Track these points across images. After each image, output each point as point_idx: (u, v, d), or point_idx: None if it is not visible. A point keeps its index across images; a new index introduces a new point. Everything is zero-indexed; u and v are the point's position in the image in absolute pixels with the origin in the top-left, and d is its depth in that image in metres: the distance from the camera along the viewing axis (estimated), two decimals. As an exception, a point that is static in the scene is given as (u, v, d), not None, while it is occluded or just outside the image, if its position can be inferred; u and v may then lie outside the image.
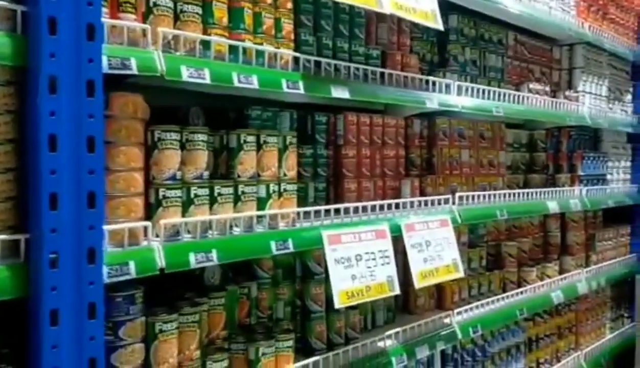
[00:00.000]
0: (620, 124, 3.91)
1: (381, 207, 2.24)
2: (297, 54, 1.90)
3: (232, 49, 1.72)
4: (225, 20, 1.72)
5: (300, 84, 1.86)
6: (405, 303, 2.68)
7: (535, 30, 3.30)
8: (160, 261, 1.50)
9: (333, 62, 2.03)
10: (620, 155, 3.98)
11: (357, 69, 2.12)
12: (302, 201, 2.21)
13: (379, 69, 2.22)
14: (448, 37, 2.81)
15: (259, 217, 1.79)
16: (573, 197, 3.37)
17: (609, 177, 3.81)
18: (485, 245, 3.09)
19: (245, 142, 1.76)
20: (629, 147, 4.09)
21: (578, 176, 3.51)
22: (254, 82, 1.72)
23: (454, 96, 2.57)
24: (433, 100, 2.42)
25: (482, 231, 3.11)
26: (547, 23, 3.15)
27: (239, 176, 1.76)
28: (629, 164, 4.07)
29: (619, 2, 3.88)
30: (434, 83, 2.48)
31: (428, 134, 2.78)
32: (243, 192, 1.75)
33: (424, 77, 2.44)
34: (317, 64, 1.99)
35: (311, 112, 2.32)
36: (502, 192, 2.88)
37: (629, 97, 4.09)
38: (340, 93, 2.00)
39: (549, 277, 3.25)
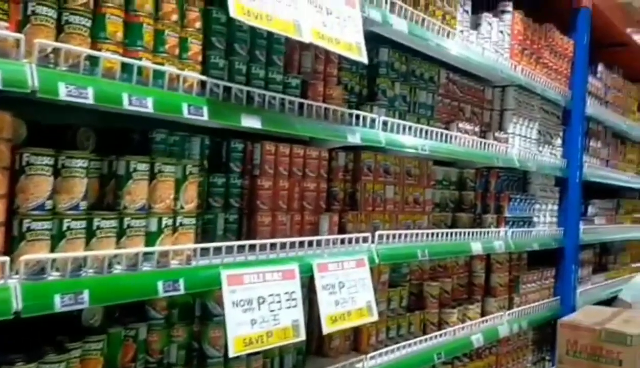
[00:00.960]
0: (549, 167, 3.91)
1: (292, 245, 2.09)
2: (204, 78, 1.74)
3: (125, 67, 1.54)
4: (119, 35, 1.55)
5: (205, 110, 1.70)
6: (319, 345, 2.52)
7: (468, 70, 3.25)
8: (17, 303, 1.30)
9: (245, 88, 1.88)
10: (547, 198, 3.97)
11: (274, 97, 1.98)
12: (209, 234, 2.04)
13: (298, 99, 2.08)
14: (378, 70, 2.71)
15: (146, 254, 1.60)
16: (498, 239, 3.31)
17: (535, 219, 3.79)
18: (407, 284, 2.98)
19: (135, 170, 1.58)
20: (556, 191, 4.09)
21: (504, 217, 3.46)
22: (148, 105, 1.55)
23: (379, 131, 2.46)
24: (356, 135, 2.30)
25: (405, 270, 3.00)
26: (480, 64, 3.11)
27: (125, 207, 1.57)
28: (556, 207, 4.07)
29: (553, 48, 3.91)
30: (357, 117, 2.37)
31: (353, 168, 2.66)
32: (129, 226, 1.56)
33: (347, 111, 2.31)
34: (228, 89, 1.83)
35: (226, 138, 2.16)
36: (425, 231, 2.78)
37: (558, 141, 4.11)
38: (251, 122, 1.85)
39: (470, 319, 3.16)
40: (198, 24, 1.74)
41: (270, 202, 2.21)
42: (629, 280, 4.90)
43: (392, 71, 2.76)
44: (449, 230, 2.94)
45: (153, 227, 1.62)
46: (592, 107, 4.39)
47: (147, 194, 1.61)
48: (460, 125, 3.09)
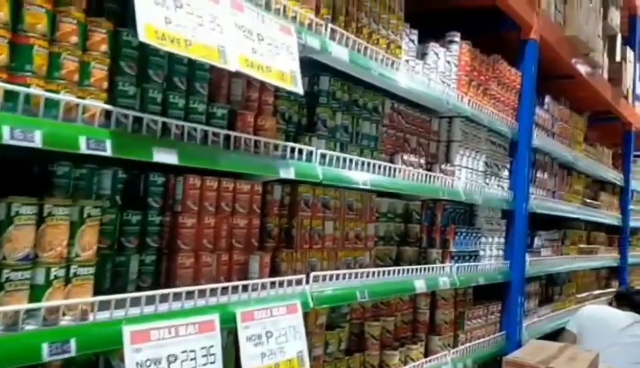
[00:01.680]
0: (496, 199, 3.82)
1: (213, 291, 1.88)
2: (109, 107, 1.53)
3: (9, 95, 1.32)
4: (4, 58, 1.33)
5: (108, 144, 1.48)
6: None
7: (414, 100, 3.13)
8: None
9: (160, 119, 1.67)
10: (494, 230, 3.88)
11: (194, 129, 1.78)
12: (121, 278, 1.81)
13: (224, 131, 1.89)
14: (318, 99, 2.55)
15: (30, 310, 1.37)
16: (443, 275, 3.18)
17: (481, 252, 3.68)
18: (347, 324, 2.80)
19: (18, 214, 1.35)
20: (503, 223, 4.01)
21: (450, 252, 3.33)
22: (36, 139, 1.32)
23: (317, 165, 2.28)
24: (289, 170, 2.12)
25: (345, 309, 2.82)
26: (425, 95, 2.99)
27: (4, 258, 1.34)
28: (502, 240, 3.98)
29: (501, 79, 3.84)
30: (292, 149, 2.19)
31: (290, 202, 2.47)
32: (8, 279, 1.33)
33: (281, 143, 2.13)
34: (139, 120, 1.62)
35: (145, 170, 1.94)
36: (365, 270, 2.61)
37: (505, 172, 4.04)
38: (165, 156, 1.64)
39: (413, 360, 3.00)
40: (104, 47, 1.53)
41: (194, 241, 2.00)
42: (575, 311, 4.85)
43: (334, 100, 2.60)
44: (391, 268, 2.78)
45: (39, 279, 1.39)
46: (539, 139, 4.35)
47: (32, 241, 1.38)
48: (405, 157, 2.95)
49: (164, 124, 1.68)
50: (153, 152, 1.60)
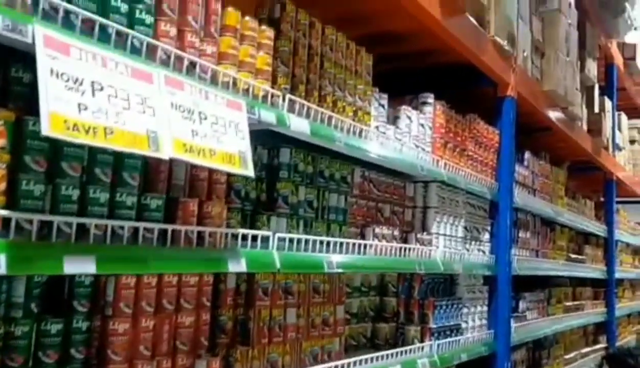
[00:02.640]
0: (477, 266, 3.57)
1: (144, 418, 1.58)
2: (7, 213, 1.27)
3: None
4: None
5: (2, 260, 1.21)
6: None
7: (386, 166, 2.91)
8: None
9: (75, 220, 1.41)
10: (476, 299, 3.62)
11: (121, 227, 1.52)
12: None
13: (159, 226, 1.63)
14: (278, 173, 2.31)
15: None
16: (422, 356, 2.89)
17: (463, 325, 3.41)
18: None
19: None
20: (485, 290, 3.75)
21: (429, 328, 3.06)
22: None
23: (274, 252, 2.02)
24: (240, 261, 1.85)
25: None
26: (398, 162, 2.76)
27: None
28: (485, 308, 3.71)
29: (478, 139, 3.65)
30: (244, 237, 1.93)
31: (246, 290, 2.20)
32: None
33: (230, 231, 1.87)
34: (48, 224, 1.36)
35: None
36: (333, 364, 2.33)
37: (486, 235, 3.81)
38: (79, 266, 1.37)
39: None
40: (2, 141, 1.28)
41: (127, 349, 1.71)
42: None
43: (296, 174, 2.36)
44: (363, 357, 2.49)
45: None
46: (520, 197, 4.14)
47: None
48: (377, 230, 2.71)
49: (80, 225, 1.42)
50: (64, 262, 1.33)
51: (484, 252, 3.74)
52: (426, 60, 3.74)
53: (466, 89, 3.93)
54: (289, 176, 2.31)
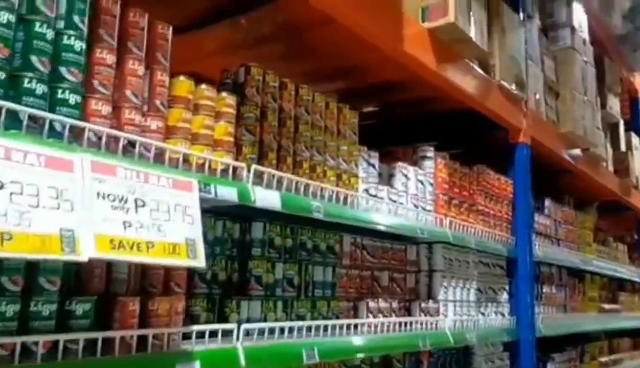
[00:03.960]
0: (494, 332, 3.24)
1: None
2: None
3: None
4: None
5: None
6: None
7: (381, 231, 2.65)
8: None
9: (-29, 343, 1.20)
10: (495, 368, 3.28)
11: (35, 342, 1.30)
12: None
13: (84, 335, 1.39)
14: (250, 251, 2.08)
15: None
16: None
17: (482, 401, 3.08)
18: None
19: None
20: (506, 357, 3.40)
21: (440, 411, 2.74)
22: None
23: (238, 346, 1.77)
24: (193, 365, 1.60)
25: None
26: (393, 226, 2.51)
27: None
28: (506, 379, 3.37)
29: (488, 191, 3.37)
30: (202, 334, 1.69)
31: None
32: None
33: (178, 330, 1.62)
34: None
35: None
36: None
37: (504, 295, 3.48)
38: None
39: None
40: None
41: None
42: None
43: (271, 250, 2.12)
44: None
45: None
46: (541, 250, 3.81)
47: None
48: (372, 304, 2.43)
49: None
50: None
51: (502, 314, 3.40)
52: (428, 108, 3.53)
53: (475, 137, 3.69)
54: (263, 253, 2.07)
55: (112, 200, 1.41)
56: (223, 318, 1.91)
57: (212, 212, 1.98)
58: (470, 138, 3.74)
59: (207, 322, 1.88)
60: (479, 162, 3.40)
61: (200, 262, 1.57)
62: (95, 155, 1.42)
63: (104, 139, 1.46)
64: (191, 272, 1.90)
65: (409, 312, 2.72)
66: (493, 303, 3.34)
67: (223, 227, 2.02)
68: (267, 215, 2.08)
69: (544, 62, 4.09)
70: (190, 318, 1.86)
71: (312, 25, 2.50)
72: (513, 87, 3.45)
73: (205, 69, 2.11)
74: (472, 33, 2.81)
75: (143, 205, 1.48)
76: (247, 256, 2.05)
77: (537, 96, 3.88)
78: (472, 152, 3.79)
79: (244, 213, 2.07)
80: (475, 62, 3.21)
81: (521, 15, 3.70)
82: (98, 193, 1.39)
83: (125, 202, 1.44)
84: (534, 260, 3.70)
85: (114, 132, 1.48)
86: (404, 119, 3.71)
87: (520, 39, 3.60)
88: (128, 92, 1.54)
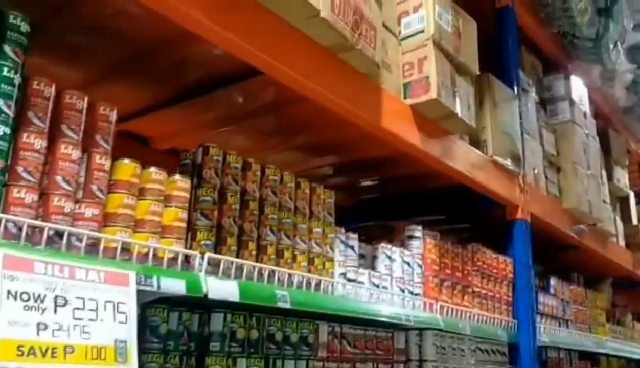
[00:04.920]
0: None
1: None
2: None
3: None
4: None
5: None
6: None
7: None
8: None
9: None
10: None
11: None
12: None
13: None
14: (209, 346, 1.88)
15: None
16: None
17: None
18: None
19: None
20: None
21: None
22: None
23: None
24: None
25: None
26: (371, 313, 2.29)
27: None
28: None
29: (485, 271, 3.13)
30: None
31: None
32: None
33: None
34: None
35: None
36: None
37: (507, 385, 3.18)
38: None
39: None
40: None
41: None
42: None
43: (233, 343, 1.92)
44: None
45: None
46: (547, 333, 3.52)
47: None
48: (350, 401, 2.19)
49: None
50: None
51: (505, 406, 3.09)
52: (422, 185, 3.37)
53: (472, 213, 3.50)
54: (222, 348, 1.87)
55: (25, 299, 1.25)
56: (174, 424, 1.70)
57: (168, 302, 1.80)
58: (468, 215, 3.56)
59: (156, 428, 1.67)
60: (478, 239, 3.20)
61: (131, 366, 1.38)
62: (12, 248, 1.28)
63: (24, 230, 1.32)
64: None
65: (396, 408, 2.45)
66: (494, 394, 3.04)
67: (179, 319, 1.83)
68: (233, 305, 1.90)
69: (542, 135, 3.93)
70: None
71: (288, 102, 2.40)
72: (508, 162, 3.28)
73: (191, 144, 1.99)
74: (458, 109, 2.68)
75: (64, 304, 1.31)
76: (205, 352, 1.85)
77: (536, 170, 3.70)
78: (470, 229, 3.60)
79: (208, 302, 1.89)
80: (466, 138, 3.07)
81: (515, 89, 3.59)
82: (8, 292, 1.23)
83: (42, 301, 1.28)
84: (540, 344, 3.41)
85: (36, 222, 1.34)
86: (402, 193, 3.56)
87: (514, 113, 3.46)
88: (58, 178, 1.41)
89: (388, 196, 3.64)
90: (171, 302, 1.82)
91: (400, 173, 3.23)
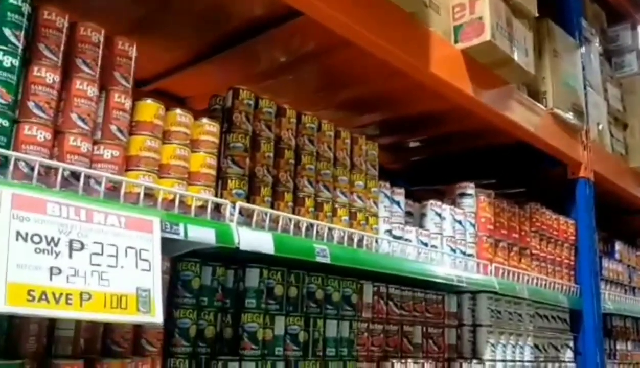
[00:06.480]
0: (556, 397, 2.70)
1: None
2: None
3: None
4: None
5: None
6: None
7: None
8: None
9: None
10: None
11: None
12: None
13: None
14: (244, 302, 1.75)
15: None
16: None
17: None
18: None
19: None
20: (572, 427, 2.84)
21: None
22: None
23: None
24: None
25: None
26: (422, 273, 2.10)
27: None
28: None
29: (544, 233, 2.88)
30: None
31: None
32: None
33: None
34: None
35: None
36: None
37: (569, 353, 2.92)
38: None
39: None
40: None
41: None
42: None
43: (270, 300, 1.78)
44: None
45: None
46: (612, 301, 3.24)
47: None
48: (399, 366, 2.02)
49: None
50: None
51: (566, 375, 2.86)
52: (474, 143, 3.13)
53: (530, 174, 3.23)
54: (258, 305, 1.73)
55: (37, 242, 1.14)
56: (209, 383, 1.58)
57: (200, 257, 1.68)
58: (525, 175, 3.29)
59: (191, 386, 1.56)
60: (535, 202, 2.95)
61: (155, 318, 1.26)
62: (22, 188, 1.17)
63: (36, 170, 1.20)
64: (170, 326, 1.60)
65: (448, 374, 2.28)
66: (554, 363, 2.80)
67: (212, 274, 1.70)
68: (269, 261, 1.76)
69: (607, 89, 3.59)
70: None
71: (329, 49, 2.21)
72: (570, 116, 2.99)
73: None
74: (515, 53, 2.42)
75: (80, 249, 1.20)
76: (241, 308, 1.73)
77: (601, 127, 3.38)
78: (527, 191, 3.33)
79: (243, 259, 1.76)
80: (524, 89, 2.80)
81: (577, 39, 3.26)
82: (18, 234, 1.12)
83: (56, 244, 1.17)
84: (604, 311, 3.14)
85: (49, 161, 1.23)
86: (452, 154, 3.32)
87: (576, 64, 3.14)
88: (74, 116, 1.29)
89: (437, 158, 3.41)
90: (204, 257, 1.70)
91: (451, 130, 2.99)
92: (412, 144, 3.36)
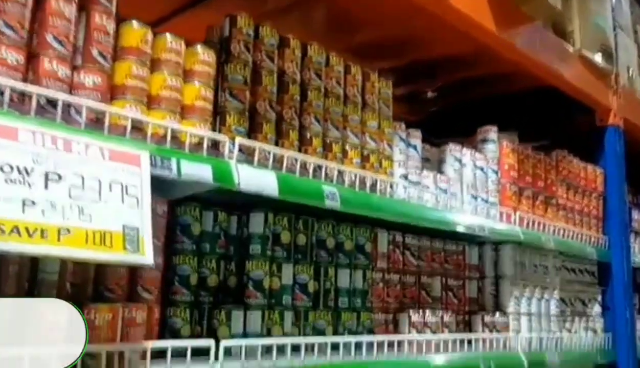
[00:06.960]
0: (583, 354, 2.55)
1: None
2: None
3: None
4: None
5: None
6: None
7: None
8: None
9: None
10: (587, 398, 2.59)
11: None
12: None
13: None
14: (249, 248, 1.62)
15: None
16: None
17: None
18: None
19: None
20: (601, 383, 2.70)
21: None
22: None
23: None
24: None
25: None
26: (441, 221, 1.96)
27: None
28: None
29: (572, 182, 2.70)
30: (159, 352, 1.25)
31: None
32: None
33: (116, 348, 1.19)
34: None
35: None
36: None
37: (596, 308, 2.78)
38: None
39: None
40: None
41: None
42: None
43: (277, 247, 1.65)
44: None
45: None
46: (642, 254, 3.07)
47: None
48: (415, 318, 1.89)
49: None
50: None
51: (594, 331, 2.70)
52: (496, 89, 2.93)
53: (555, 121, 3.03)
54: (263, 252, 1.61)
55: (7, 171, 1.02)
56: (212, 334, 1.47)
57: (201, 200, 1.55)
58: (550, 124, 3.10)
59: (193, 337, 1.46)
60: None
61: (145, 258, 1.14)
62: (-10, 114, 1.04)
63: (6, 95, 1.08)
64: (169, 274, 1.48)
65: (469, 328, 2.15)
66: (582, 317, 2.65)
67: (214, 219, 1.58)
68: (275, 205, 1.63)
69: (637, 32, 3.34)
70: (170, 333, 1.44)
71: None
72: (599, 58, 2.78)
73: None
74: (541, -14, 2.22)
75: (58, 180, 1.07)
76: (245, 255, 1.60)
77: (631, 71, 3.15)
78: (553, 143, 3.14)
79: (247, 204, 1.63)
80: (549, 27, 2.59)
81: (606, -25, 3.02)
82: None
83: (29, 174, 1.04)
84: (634, 265, 2.97)
85: (20, 85, 1.09)
86: (472, 103, 3.14)
87: (605, 3, 2.92)
88: (49, 37, 1.15)
89: (455, 108, 3.22)
90: (205, 203, 1.57)
91: (471, 74, 2.80)
92: (430, 94, 3.18)
